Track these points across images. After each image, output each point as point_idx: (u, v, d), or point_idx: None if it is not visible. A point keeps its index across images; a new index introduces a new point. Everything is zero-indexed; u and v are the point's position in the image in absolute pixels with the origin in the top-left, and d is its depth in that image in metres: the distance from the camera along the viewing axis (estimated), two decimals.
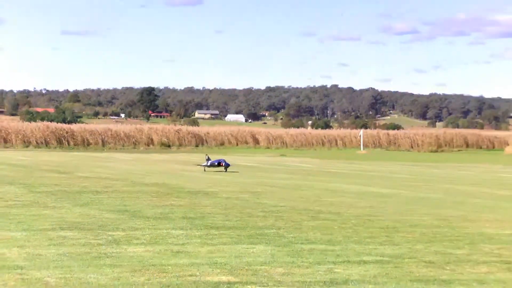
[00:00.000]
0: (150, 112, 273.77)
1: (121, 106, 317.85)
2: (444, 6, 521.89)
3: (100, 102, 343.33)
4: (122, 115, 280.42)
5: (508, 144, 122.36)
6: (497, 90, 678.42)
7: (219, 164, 45.57)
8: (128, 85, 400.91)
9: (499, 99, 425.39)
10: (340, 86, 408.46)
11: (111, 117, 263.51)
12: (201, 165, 47.43)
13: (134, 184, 33.48)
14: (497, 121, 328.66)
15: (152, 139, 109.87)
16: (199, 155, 78.33)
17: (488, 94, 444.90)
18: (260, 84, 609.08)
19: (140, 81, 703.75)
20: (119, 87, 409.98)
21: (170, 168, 51.31)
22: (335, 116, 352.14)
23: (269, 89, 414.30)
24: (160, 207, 23.40)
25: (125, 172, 44.13)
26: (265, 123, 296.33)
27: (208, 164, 45.87)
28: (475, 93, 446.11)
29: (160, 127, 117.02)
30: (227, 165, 45.33)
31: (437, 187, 36.42)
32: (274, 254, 14.55)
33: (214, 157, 50.82)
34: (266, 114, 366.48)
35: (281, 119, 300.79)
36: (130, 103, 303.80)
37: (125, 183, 34.03)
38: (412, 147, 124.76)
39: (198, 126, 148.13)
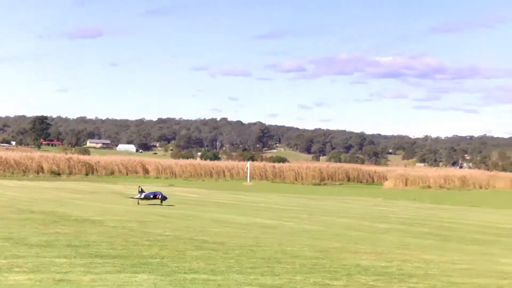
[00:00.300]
0: (41, 140, 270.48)
1: (12, 134, 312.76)
2: (328, 46, 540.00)
3: None
4: (13, 143, 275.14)
5: (387, 179, 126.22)
6: (377, 127, 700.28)
7: (154, 197, 42.75)
8: (21, 113, 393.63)
9: (378, 135, 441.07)
10: (229, 119, 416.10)
11: (2, 144, 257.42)
12: (133, 198, 44.48)
13: (21, 212, 32.82)
14: (376, 157, 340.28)
15: (42, 167, 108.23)
16: (88, 184, 77.27)
17: (368, 131, 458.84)
18: (152, 115, 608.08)
19: (33, 110, 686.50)
20: (12, 115, 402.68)
21: (58, 196, 50.40)
22: (224, 148, 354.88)
23: (160, 121, 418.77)
24: (46, 234, 23.09)
25: (12, 199, 43.12)
26: (155, 153, 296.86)
27: (142, 196, 42.99)
28: (356, 129, 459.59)
29: (51, 155, 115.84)
30: (163, 198, 42.63)
31: (319, 219, 37.32)
32: (156, 283, 14.67)
33: (149, 189, 48.18)
34: (157, 144, 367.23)
35: (171, 150, 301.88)
36: (22, 131, 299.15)
37: (11, 210, 33.34)
38: (296, 179, 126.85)
39: (89, 155, 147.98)
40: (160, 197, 42.60)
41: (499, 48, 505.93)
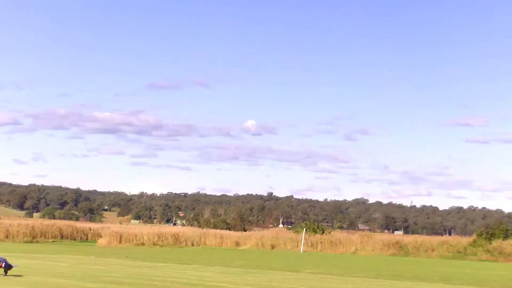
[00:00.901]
0: None
1: None
2: (46, 100, 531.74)
3: None
4: None
5: (101, 236, 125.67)
6: (93, 183, 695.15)
7: None
8: None
9: (95, 191, 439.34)
10: None
11: None
12: None
13: None
14: (92, 213, 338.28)
15: None
16: None
17: (85, 187, 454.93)
18: None
19: None
20: None
21: None
22: None
23: None
24: None
25: None
26: None
27: None
28: (72, 185, 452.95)
29: None
30: (8, 266, 34.23)
31: (28, 279, 36.04)
32: None
33: None
34: None
35: None
36: None
37: None
38: (7, 237, 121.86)
39: None
40: (3, 266, 34.40)
41: (213, 107, 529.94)
